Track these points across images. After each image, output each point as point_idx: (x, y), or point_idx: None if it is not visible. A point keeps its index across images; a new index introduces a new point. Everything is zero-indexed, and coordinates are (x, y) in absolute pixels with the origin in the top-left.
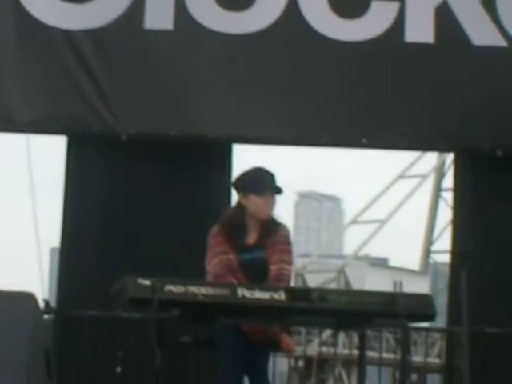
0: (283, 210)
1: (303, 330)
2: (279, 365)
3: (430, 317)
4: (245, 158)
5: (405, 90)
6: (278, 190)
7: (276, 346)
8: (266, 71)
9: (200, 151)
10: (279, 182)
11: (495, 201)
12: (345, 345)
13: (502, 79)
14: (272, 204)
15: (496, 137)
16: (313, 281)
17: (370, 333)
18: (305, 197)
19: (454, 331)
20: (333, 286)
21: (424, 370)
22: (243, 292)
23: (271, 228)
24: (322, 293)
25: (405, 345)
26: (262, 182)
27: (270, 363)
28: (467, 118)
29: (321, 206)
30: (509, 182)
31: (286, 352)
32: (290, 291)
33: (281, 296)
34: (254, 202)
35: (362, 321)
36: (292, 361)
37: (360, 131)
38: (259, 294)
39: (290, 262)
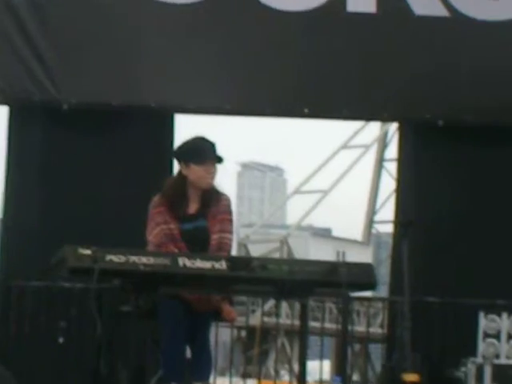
0: (226, 181)
1: (246, 300)
2: (222, 335)
3: (371, 286)
4: (187, 127)
5: (347, 60)
6: (219, 159)
7: (218, 316)
8: (208, 41)
9: (142, 121)
10: (222, 153)
11: (437, 170)
12: (288, 315)
13: (443, 49)
14: (213, 173)
15: (437, 107)
16: (256, 251)
17: (312, 303)
18: (248, 167)
19: (396, 301)
20: (276, 256)
21: (366, 339)
22: (184, 261)
23: (212, 198)
24: (263, 262)
25: (346, 314)
26: (202, 152)
27: (213, 333)
28: (409, 88)
29: (264, 176)
30: (450, 151)
31: (228, 321)
32: (231, 260)
33: (222, 265)
34: (195, 172)
35: (303, 290)
36: (235, 331)
37: (302, 101)
38: (200, 264)
39: (230, 232)
